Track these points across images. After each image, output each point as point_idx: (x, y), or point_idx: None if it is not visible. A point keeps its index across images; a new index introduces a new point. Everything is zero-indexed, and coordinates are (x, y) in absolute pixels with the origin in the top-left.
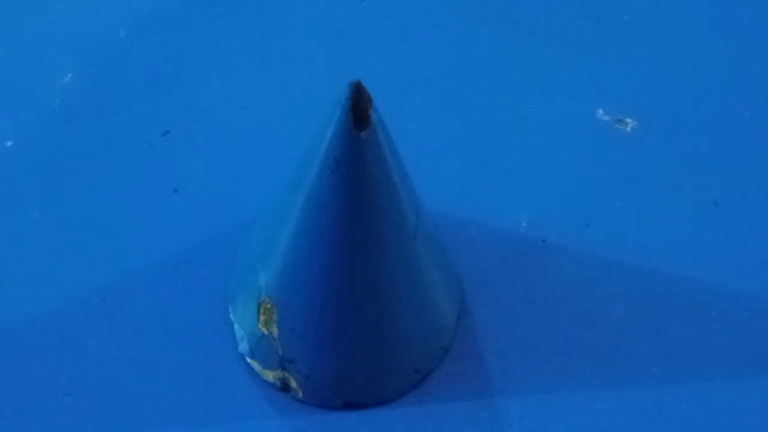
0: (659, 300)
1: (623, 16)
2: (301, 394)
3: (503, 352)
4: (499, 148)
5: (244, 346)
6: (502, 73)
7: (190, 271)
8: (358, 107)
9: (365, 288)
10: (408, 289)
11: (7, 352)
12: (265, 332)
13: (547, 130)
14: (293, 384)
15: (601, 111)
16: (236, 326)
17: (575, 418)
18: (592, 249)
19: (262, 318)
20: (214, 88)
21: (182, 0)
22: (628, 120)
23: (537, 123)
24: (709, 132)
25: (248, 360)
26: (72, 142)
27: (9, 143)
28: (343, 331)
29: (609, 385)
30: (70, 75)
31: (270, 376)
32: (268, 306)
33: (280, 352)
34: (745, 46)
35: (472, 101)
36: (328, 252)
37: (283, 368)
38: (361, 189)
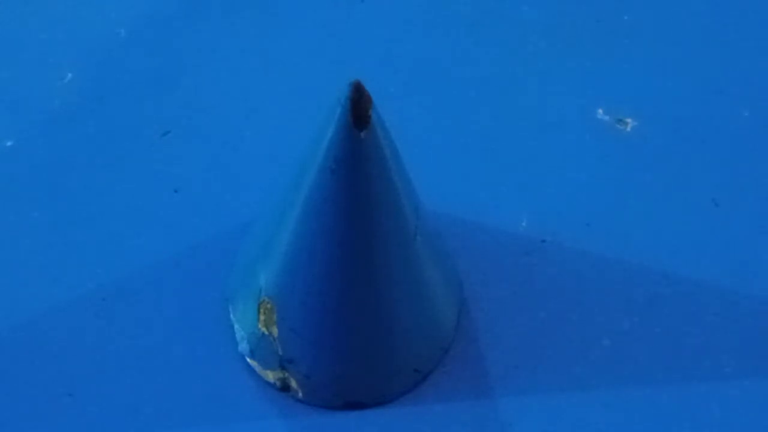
0: (659, 300)
1: (623, 16)
2: (301, 394)
3: (503, 352)
4: (499, 148)
5: (244, 346)
6: (502, 73)
7: (190, 271)
8: (358, 107)
9: (365, 288)
10: (408, 289)
11: (8, 352)
12: (265, 332)
13: (547, 130)
14: (293, 384)
15: (601, 111)
16: (236, 326)
17: (575, 418)
18: (593, 249)
19: (262, 318)
20: (214, 88)
21: (182, 0)
22: (628, 120)
23: (537, 123)
24: (709, 132)
25: (248, 360)
26: (72, 142)
27: (9, 143)
28: (343, 331)
29: (609, 385)
30: (70, 75)
31: (270, 376)
32: (268, 306)
33: (280, 352)
34: (745, 46)
35: (471, 101)
36: (328, 252)
37: (283, 368)
38: (361, 189)
